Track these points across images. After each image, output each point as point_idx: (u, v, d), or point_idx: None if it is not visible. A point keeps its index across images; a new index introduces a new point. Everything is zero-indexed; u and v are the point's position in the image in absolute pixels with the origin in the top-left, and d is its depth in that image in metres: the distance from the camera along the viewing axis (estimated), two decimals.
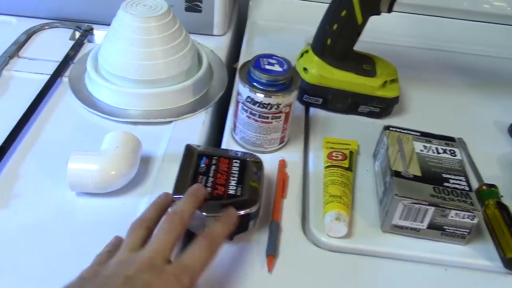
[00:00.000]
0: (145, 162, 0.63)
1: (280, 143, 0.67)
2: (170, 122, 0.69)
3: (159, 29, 0.68)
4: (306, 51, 0.74)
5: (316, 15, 0.92)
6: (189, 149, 0.59)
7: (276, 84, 0.61)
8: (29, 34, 0.84)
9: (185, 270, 0.42)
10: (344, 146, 0.67)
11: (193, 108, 0.71)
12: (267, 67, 0.61)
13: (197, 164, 0.57)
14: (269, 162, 0.64)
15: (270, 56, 0.63)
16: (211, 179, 0.55)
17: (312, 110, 0.75)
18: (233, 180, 0.56)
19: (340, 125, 0.73)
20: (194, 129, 0.69)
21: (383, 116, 0.75)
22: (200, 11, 0.85)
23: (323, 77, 0.72)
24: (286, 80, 0.61)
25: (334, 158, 0.65)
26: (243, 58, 0.84)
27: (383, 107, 0.73)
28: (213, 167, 0.57)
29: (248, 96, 0.61)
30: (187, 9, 0.85)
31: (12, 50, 0.80)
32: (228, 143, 0.67)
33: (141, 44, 0.68)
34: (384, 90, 0.72)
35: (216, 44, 0.86)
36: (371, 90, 0.72)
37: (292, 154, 0.67)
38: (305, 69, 0.72)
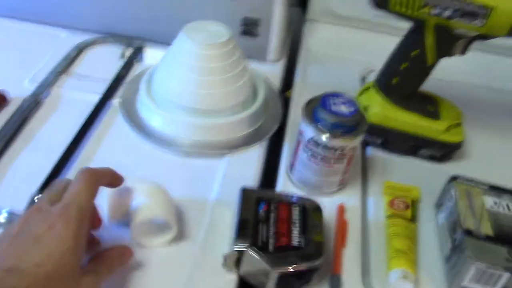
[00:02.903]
0: (198, 201, 0.60)
1: (339, 186, 0.63)
2: (224, 155, 0.66)
3: (220, 57, 0.65)
4: (368, 88, 0.71)
5: (371, 45, 0.90)
6: (246, 192, 0.56)
7: (343, 127, 0.57)
8: (80, 49, 0.82)
9: (68, 205, 0.43)
10: (405, 193, 0.64)
11: (248, 141, 0.68)
12: (334, 107, 0.58)
13: (255, 211, 0.54)
14: (327, 205, 0.61)
15: (337, 95, 0.60)
16: (272, 228, 0.52)
17: (370, 149, 0.71)
18: (295, 229, 0.53)
19: (399, 167, 0.69)
20: (249, 165, 0.66)
21: (444, 161, 0.71)
22: (256, 36, 0.82)
23: (386, 117, 0.68)
24: (353, 122, 0.58)
25: (396, 207, 0.61)
26: (298, 87, 0.81)
27: (445, 151, 0.70)
28: (272, 214, 0.54)
29: (312, 137, 0.58)
30: (243, 32, 0.82)
31: (62, 66, 0.78)
32: (283, 183, 0.64)
33: (201, 71, 0.65)
34: (447, 135, 0.68)
35: (270, 71, 0.83)
36: (435, 134, 0.68)
37: (350, 198, 0.63)
38: (367, 106, 0.69)
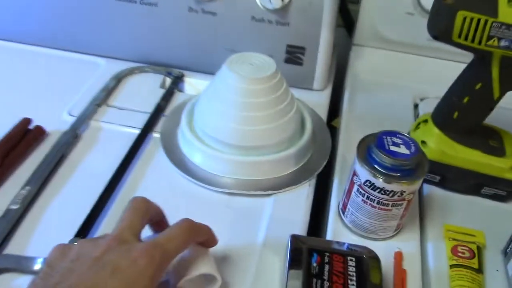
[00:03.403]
0: (243, 245, 0.56)
1: (395, 231, 0.59)
2: (270, 195, 0.62)
3: (266, 91, 0.62)
4: (425, 121, 0.66)
5: (423, 70, 0.85)
6: (295, 241, 0.52)
7: (402, 170, 0.53)
8: (118, 79, 0.80)
9: (157, 246, 0.41)
10: (469, 238, 0.58)
11: (295, 179, 0.64)
12: (392, 148, 0.53)
13: (308, 263, 0.49)
14: (382, 251, 0.56)
15: (394, 134, 0.55)
16: (327, 284, 0.48)
17: (427, 187, 0.66)
18: (352, 285, 0.48)
19: (460, 208, 0.64)
20: (297, 205, 0.61)
21: (510, 200, 0.65)
22: (301, 64, 0.78)
23: (445, 154, 0.63)
24: (413, 165, 0.53)
25: (460, 254, 0.56)
26: (345, 117, 0.76)
27: (511, 190, 0.64)
28: (326, 267, 0.49)
29: (368, 180, 0.54)
30: (287, 61, 0.79)
31: (101, 97, 0.75)
32: (334, 224, 0.60)
33: (245, 107, 0.62)
34: None
35: (315, 100, 0.79)
36: (499, 172, 0.62)
37: (407, 244, 0.58)
38: (423, 142, 0.64)
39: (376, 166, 0.53)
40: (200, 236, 0.47)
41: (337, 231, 0.59)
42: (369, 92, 0.82)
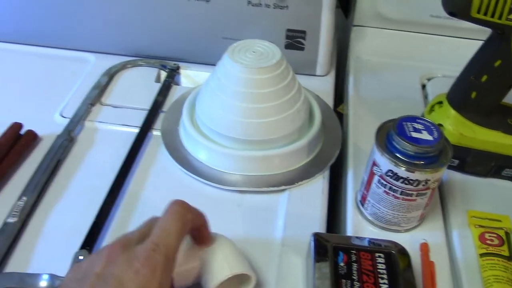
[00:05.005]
0: (262, 245, 0.53)
1: (419, 221, 0.56)
2: (284, 190, 0.59)
3: (272, 81, 0.58)
4: (439, 102, 0.63)
5: (428, 48, 0.82)
6: (318, 240, 0.49)
7: (426, 157, 0.49)
8: (111, 75, 0.76)
9: (157, 248, 0.38)
10: (495, 223, 0.56)
11: (308, 172, 0.61)
12: (414, 134, 0.50)
13: (334, 263, 0.46)
14: (406, 243, 0.52)
15: (414, 119, 0.52)
16: (357, 284, 0.45)
17: (446, 172, 0.63)
18: (384, 283, 0.45)
19: (482, 192, 0.61)
20: (313, 200, 0.58)
21: None
22: (302, 49, 0.75)
23: (463, 136, 0.60)
24: (437, 151, 0.50)
25: (488, 242, 0.53)
26: (352, 102, 0.73)
27: None
28: (354, 266, 0.46)
29: (390, 170, 0.50)
30: (288, 46, 0.75)
31: (93, 96, 0.71)
32: (353, 217, 0.57)
33: (251, 99, 0.58)
34: None
35: (319, 86, 0.75)
36: None
37: (432, 234, 0.55)
38: (439, 125, 0.60)
39: (398, 155, 0.50)
40: (194, 221, 0.43)
41: (357, 225, 0.56)
42: (374, 74, 0.79)
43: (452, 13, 0.54)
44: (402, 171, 0.50)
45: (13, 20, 0.79)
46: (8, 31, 0.80)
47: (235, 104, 0.58)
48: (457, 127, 0.60)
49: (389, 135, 0.51)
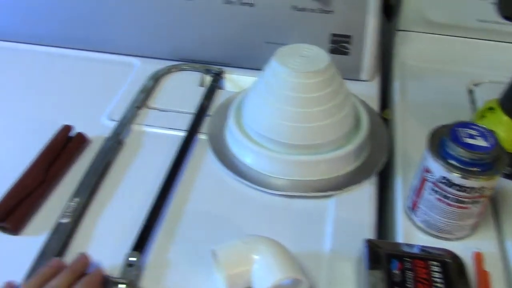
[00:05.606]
0: (310, 252, 0.52)
1: (472, 229, 0.54)
2: (330, 196, 0.58)
3: (321, 85, 0.58)
4: (491, 108, 0.61)
5: (475, 54, 0.80)
6: (371, 246, 0.48)
7: (481, 164, 0.48)
8: (156, 79, 0.76)
9: None
10: None
11: (356, 177, 0.60)
12: (468, 140, 0.49)
13: (388, 270, 0.46)
14: (458, 252, 0.51)
15: (467, 125, 0.51)
16: None
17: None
18: None
19: None
20: (361, 206, 0.58)
21: None
22: (347, 54, 0.74)
23: None
24: (493, 158, 0.49)
25: None
26: (399, 108, 0.72)
27: None
28: (409, 274, 0.46)
29: (444, 177, 0.49)
30: (332, 51, 0.74)
31: (140, 99, 0.72)
32: (403, 225, 0.56)
33: (299, 103, 0.58)
34: None
35: (364, 91, 0.74)
36: None
37: (485, 242, 0.54)
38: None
39: (452, 161, 0.49)
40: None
41: (407, 232, 0.55)
42: (420, 80, 0.78)
43: (507, 18, 0.53)
44: (456, 177, 0.49)
45: (64, 26, 0.81)
46: (59, 36, 0.82)
47: (283, 108, 0.58)
48: (510, 134, 0.59)
49: (443, 140, 0.50)
